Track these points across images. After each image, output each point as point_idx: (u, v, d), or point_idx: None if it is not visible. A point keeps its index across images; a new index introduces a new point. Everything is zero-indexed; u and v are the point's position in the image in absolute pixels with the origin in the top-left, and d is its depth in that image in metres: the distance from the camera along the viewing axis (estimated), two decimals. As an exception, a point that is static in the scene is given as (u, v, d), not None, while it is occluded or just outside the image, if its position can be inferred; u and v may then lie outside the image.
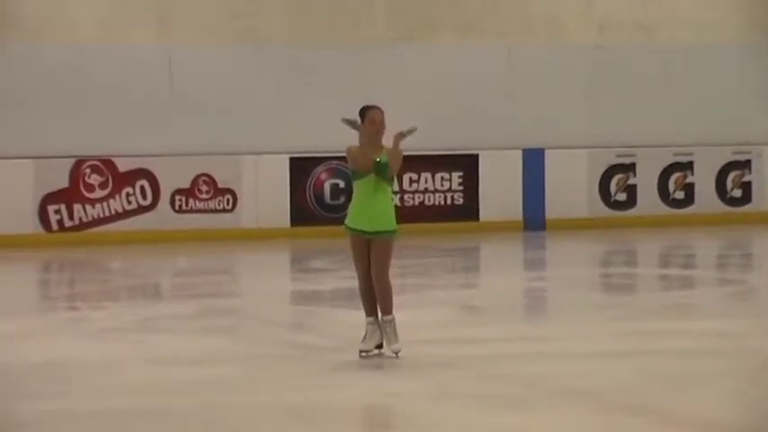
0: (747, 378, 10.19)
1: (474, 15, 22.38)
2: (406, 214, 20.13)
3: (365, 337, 10.78)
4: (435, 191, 21.82)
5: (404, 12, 22.12)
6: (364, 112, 10.94)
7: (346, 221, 10.85)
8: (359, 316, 12.56)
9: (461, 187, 21.97)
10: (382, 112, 10.90)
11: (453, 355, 11.08)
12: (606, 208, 22.49)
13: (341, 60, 21.83)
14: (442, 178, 21.83)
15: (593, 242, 20.85)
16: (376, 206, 10.66)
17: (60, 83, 20.88)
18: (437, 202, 21.73)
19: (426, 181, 21.75)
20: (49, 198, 20.58)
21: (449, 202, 21.86)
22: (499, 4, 22.46)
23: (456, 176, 21.89)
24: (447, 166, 21.86)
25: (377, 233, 10.64)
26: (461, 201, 21.94)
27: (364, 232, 10.65)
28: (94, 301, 15.53)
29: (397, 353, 10.65)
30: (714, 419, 8.76)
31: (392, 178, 10.88)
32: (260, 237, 20.66)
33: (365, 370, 10.65)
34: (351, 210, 10.91)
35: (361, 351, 10.76)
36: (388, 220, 10.69)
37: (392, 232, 10.75)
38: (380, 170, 10.69)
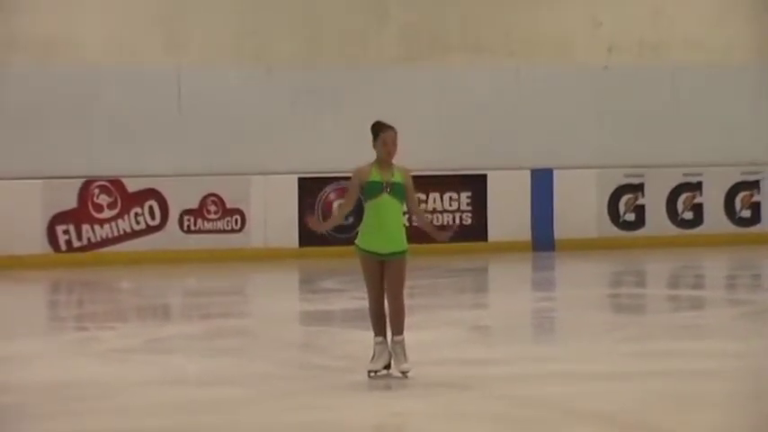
0: (757, 398, 10.19)
1: (483, 36, 22.40)
2: (415, 234, 20.02)
3: (374, 357, 10.71)
4: (444, 210, 21.83)
5: (413, 32, 22.14)
6: (377, 130, 10.76)
7: (358, 242, 10.71)
8: (368, 336, 12.54)
9: (470, 207, 21.97)
10: (395, 132, 10.71)
11: (462, 376, 11.07)
12: (615, 228, 22.49)
13: (350, 80, 21.85)
14: (451, 198, 21.84)
15: (602, 262, 20.85)
16: (389, 227, 10.56)
17: (69, 103, 20.91)
18: (446, 222, 21.72)
19: (435, 201, 21.76)
20: (58, 218, 20.61)
21: (457, 221, 21.86)
22: (508, 25, 22.49)
23: (465, 196, 21.90)
24: (456, 186, 21.86)
25: (391, 254, 10.56)
26: (470, 221, 21.94)
27: (378, 254, 10.55)
28: (103, 322, 15.54)
29: (405, 373, 10.58)
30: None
31: (405, 197, 10.72)
32: (269, 257, 20.66)
33: (375, 390, 10.64)
34: (363, 230, 10.72)
35: (369, 371, 10.69)
36: (401, 241, 10.60)
37: (405, 252, 10.67)
38: (394, 190, 10.58)
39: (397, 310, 10.58)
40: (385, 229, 10.52)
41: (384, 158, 10.66)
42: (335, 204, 10.77)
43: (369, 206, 10.63)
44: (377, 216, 10.58)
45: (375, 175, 10.63)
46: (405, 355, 10.63)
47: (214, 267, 20.18)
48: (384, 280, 10.62)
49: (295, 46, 21.77)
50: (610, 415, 9.61)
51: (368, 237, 10.63)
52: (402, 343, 10.63)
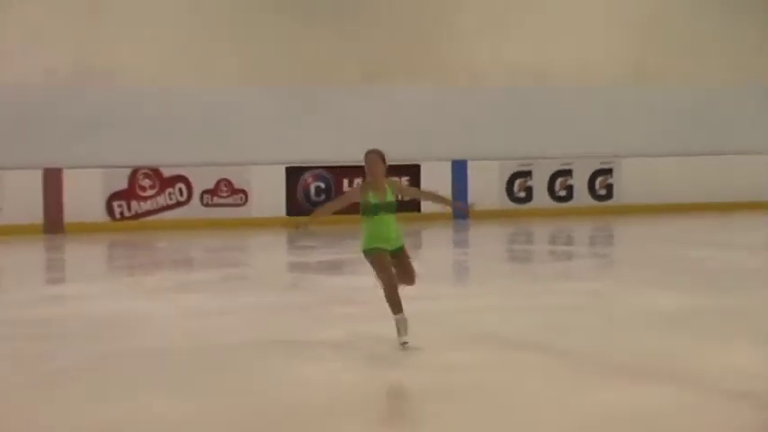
0: (611, 323, 10.28)
1: (415, 63, 22.41)
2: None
3: (400, 330, 9.04)
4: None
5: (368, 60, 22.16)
6: (365, 156, 9.28)
7: (365, 248, 9.13)
8: (338, 281, 12.57)
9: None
10: (377, 155, 9.22)
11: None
12: (511, 202, 22.56)
13: (323, 95, 21.84)
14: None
15: (502, 227, 20.90)
16: (388, 234, 9.15)
17: (120, 112, 20.85)
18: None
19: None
20: (114, 196, 20.55)
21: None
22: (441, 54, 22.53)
23: (404, 180, 21.88)
24: (398, 173, 21.88)
25: (398, 249, 9.24)
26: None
27: (386, 250, 9.12)
28: (145, 270, 15.53)
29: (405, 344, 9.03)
30: (581, 351, 8.86)
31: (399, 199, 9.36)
32: (264, 224, 20.66)
33: (346, 318, 10.66)
34: (366, 238, 9.14)
35: (403, 343, 9.00)
36: (400, 237, 9.24)
37: (404, 246, 9.29)
38: (389, 208, 9.22)
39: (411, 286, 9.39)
40: (385, 236, 9.12)
41: (371, 181, 9.18)
42: (325, 205, 9.74)
43: (368, 219, 9.16)
44: (377, 228, 9.11)
45: (372, 197, 9.13)
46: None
47: (225, 231, 20.17)
48: (398, 269, 9.23)
49: (286, 69, 21.74)
50: (504, 336, 9.68)
51: (371, 240, 9.13)
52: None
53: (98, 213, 20.39)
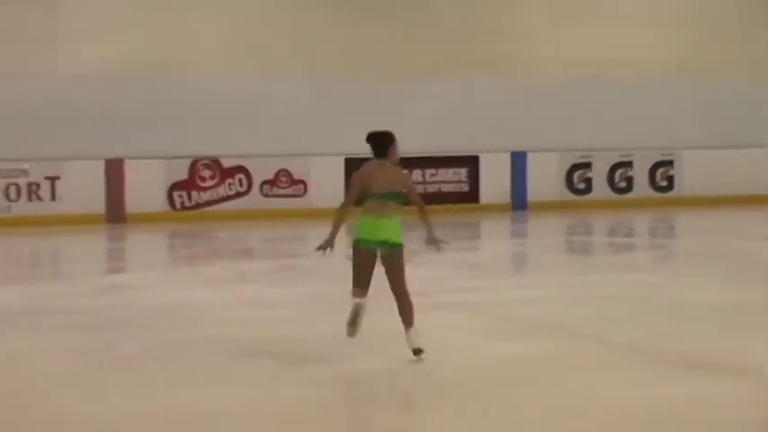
0: (666, 314, 10.27)
1: (476, 56, 22.38)
2: (430, 199, 20.23)
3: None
4: (449, 181, 21.84)
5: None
6: (393, 138, 8.59)
7: (402, 240, 8.23)
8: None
9: (467, 178, 21.96)
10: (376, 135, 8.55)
11: (458, 300, 11.15)
12: (570, 194, 22.48)
13: (384, 88, 21.87)
14: (454, 173, 21.85)
15: (561, 218, 20.83)
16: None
17: (184, 105, 21.04)
18: (449, 190, 21.75)
19: (442, 174, 21.76)
20: (175, 186, 20.74)
21: (458, 189, 21.87)
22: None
23: (464, 171, 21.90)
24: (457, 165, 21.87)
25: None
26: (467, 188, 21.93)
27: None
28: (205, 260, 15.68)
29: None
30: (636, 342, 8.86)
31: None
32: (323, 215, 20.62)
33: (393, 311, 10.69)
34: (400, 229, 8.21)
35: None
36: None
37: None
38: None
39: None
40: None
41: (396, 161, 8.39)
42: (339, 208, 8.69)
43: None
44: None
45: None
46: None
47: (283, 222, 20.28)
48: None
49: (344, 61, 21.83)
50: (560, 327, 9.70)
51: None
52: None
53: (159, 203, 20.60)
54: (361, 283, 8.22)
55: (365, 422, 6.74)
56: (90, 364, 8.42)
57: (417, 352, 8.06)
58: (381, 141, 8.42)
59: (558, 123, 22.66)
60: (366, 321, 8.44)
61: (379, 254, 8.24)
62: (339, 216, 8.51)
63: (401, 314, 8.19)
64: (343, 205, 8.55)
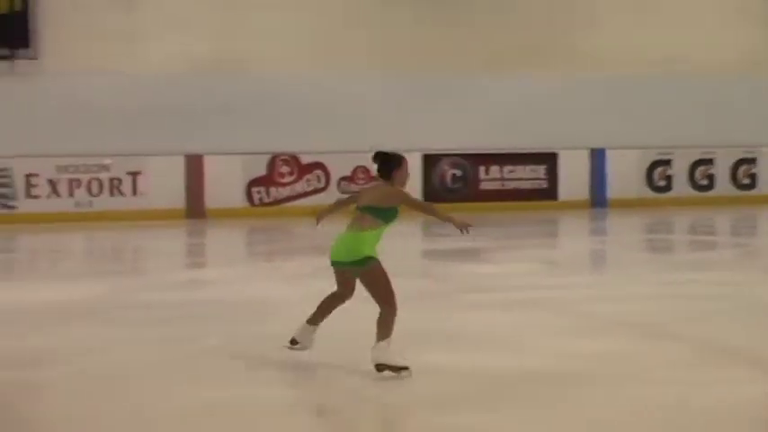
0: (750, 313, 10.15)
1: (553, 51, 22.27)
2: (506, 196, 20.28)
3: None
4: (527, 178, 21.77)
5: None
6: (401, 160, 8.06)
7: (374, 254, 8.07)
8: (471, 269, 12.61)
9: (546, 175, 21.89)
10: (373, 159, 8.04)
11: (536, 298, 11.12)
12: (650, 191, 22.28)
13: (459, 83, 21.85)
14: (531, 170, 21.79)
15: (641, 216, 20.66)
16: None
17: (263, 101, 21.21)
18: (527, 187, 21.69)
19: (520, 171, 21.69)
20: (253, 182, 20.92)
21: (536, 186, 21.81)
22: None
23: (542, 168, 21.83)
24: (534, 162, 21.79)
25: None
26: (545, 185, 21.86)
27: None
28: (284, 256, 15.78)
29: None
30: (716, 341, 8.78)
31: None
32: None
33: (477, 306, 10.70)
34: (372, 247, 8.10)
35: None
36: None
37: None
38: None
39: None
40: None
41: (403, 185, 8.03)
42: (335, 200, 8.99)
43: (383, 229, 8.11)
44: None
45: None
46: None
47: (362, 218, 20.28)
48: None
49: (421, 57, 21.84)
50: (638, 325, 9.63)
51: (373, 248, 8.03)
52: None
53: (238, 199, 20.79)
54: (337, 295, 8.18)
55: (445, 420, 6.75)
56: (168, 357, 8.52)
57: (379, 368, 7.61)
58: (386, 163, 7.98)
59: (638, 120, 22.48)
60: (440, 318, 8.42)
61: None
62: (335, 202, 8.73)
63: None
64: (339, 199, 8.79)
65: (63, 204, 20.00)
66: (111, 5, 20.80)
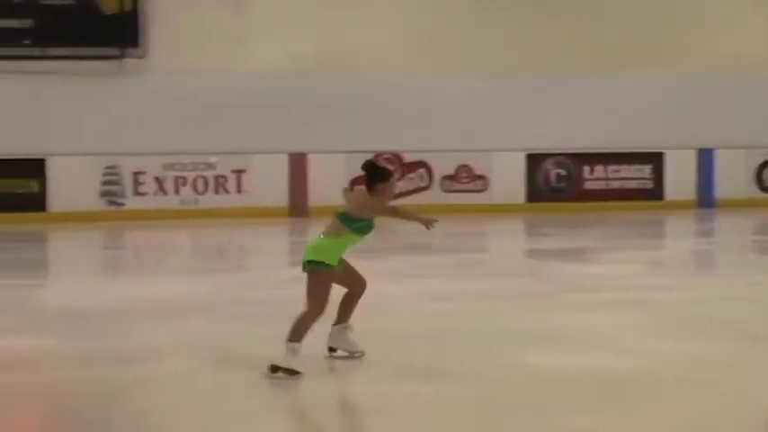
0: None
1: (657, 49, 22.02)
2: (611, 195, 20.17)
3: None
4: (632, 178, 21.56)
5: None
6: (390, 173, 8.36)
7: (331, 262, 8.36)
8: (575, 268, 12.50)
9: (651, 175, 21.64)
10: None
11: (640, 298, 11.01)
12: (759, 192, 21.89)
13: (563, 82, 21.72)
14: (637, 169, 21.56)
15: (749, 218, 20.31)
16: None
17: (366, 100, 21.34)
18: (632, 187, 21.48)
19: (625, 171, 21.49)
20: (357, 180, 20.98)
21: (642, 186, 21.58)
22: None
23: (647, 168, 21.59)
24: (640, 161, 21.56)
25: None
26: (651, 185, 21.62)
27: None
28: (384, 254, 15.82)
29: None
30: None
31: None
32: (503, 210, 20.72)
33: (580, 307, 10.64)
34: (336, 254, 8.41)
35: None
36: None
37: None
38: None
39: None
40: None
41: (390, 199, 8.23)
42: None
43: (351, 239, 8.42)
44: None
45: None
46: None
47: (463, 217, 20.30)
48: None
49: (524, 56, 21.77)
50: (742, 329, 9.50)
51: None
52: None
53: (341, 197, 20.85)
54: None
55: (540, 423, 6.75)
56: (265, 354, 8.61)
57: (273, 369, 7.68)
58: (372, 175, 8.19)
59: (747, 119, 22.10)
60: (541, 318, 8.38)
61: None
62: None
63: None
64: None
65: (169, 202, 20.34)
66: (219, 5, 21.11)
